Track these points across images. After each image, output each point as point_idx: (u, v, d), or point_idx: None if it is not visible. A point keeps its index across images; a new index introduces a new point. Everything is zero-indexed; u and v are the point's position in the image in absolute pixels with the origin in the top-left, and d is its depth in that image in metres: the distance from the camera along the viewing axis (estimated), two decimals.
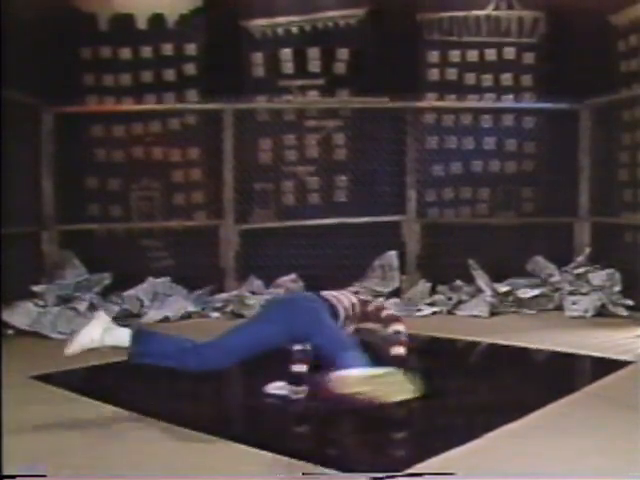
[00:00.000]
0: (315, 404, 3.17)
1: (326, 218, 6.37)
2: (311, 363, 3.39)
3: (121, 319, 5.73)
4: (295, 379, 3.38)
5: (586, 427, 2.97)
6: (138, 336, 3.13)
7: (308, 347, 3.37)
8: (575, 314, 5.62)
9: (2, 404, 2.67)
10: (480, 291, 6.02)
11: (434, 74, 6.67)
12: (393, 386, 2.90)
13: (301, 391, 3.34)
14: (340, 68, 6.56)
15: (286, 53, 6.56)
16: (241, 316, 5.56)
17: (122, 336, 3.11)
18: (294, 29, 6.56)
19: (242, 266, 6.24)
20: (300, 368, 3.39)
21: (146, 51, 6.50)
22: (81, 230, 6.27)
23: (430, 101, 6.60)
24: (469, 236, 6.40)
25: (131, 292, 5.95)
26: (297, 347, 3.41)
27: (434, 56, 6.67)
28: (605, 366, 4.02)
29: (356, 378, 2.88)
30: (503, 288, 6.03)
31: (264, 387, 3.46)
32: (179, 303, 5.87)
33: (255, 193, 6.44)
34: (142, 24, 6.51)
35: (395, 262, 6.29)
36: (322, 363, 3.20)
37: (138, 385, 3.82)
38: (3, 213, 4.83)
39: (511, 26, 6.63)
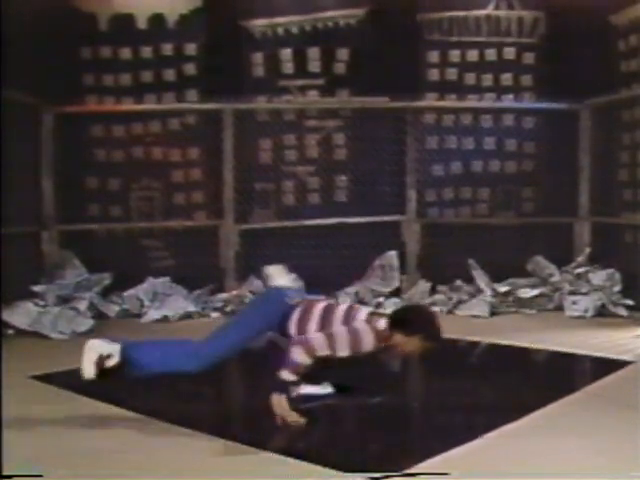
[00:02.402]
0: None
1: (326, 218, 6.37)
2: None
3: (121, 318, 5.79)
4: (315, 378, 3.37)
5: (586, 427, 2.97)
6: (126, 353, 3.12)
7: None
8: (575, 314, 5.62)
9: (2, 404, 2.67)
10: (480, 291, 6.02)
11: (434, 74, 6.67)
12: None
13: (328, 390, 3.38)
14: (340, 68, 6.56)
15: (286, 53, 6.56)
16: None
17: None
18: (294, 29, 6.56)
19: (242, 266, 6.24)
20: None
21: (146, 51, 6.50)
22: (81, 230, 6.28)
23: (430, 101, 6.60)
24: (469, 236, 6.39)
25: (131, 292, 5.96)
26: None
27: (434, 56, 6.66)
28: (605, 366, 4.02)
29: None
30: (503, 288, 6.03)
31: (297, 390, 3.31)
32: (179, 303, 5.87)
33: (255, 193, 6.44)
34: (142, 24, 6.51)
35: (395, 262, 6.29)
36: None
37: (138, 385, 3.81)
38: (3, 213, 4.83)
39: (511, 26, 6.63)
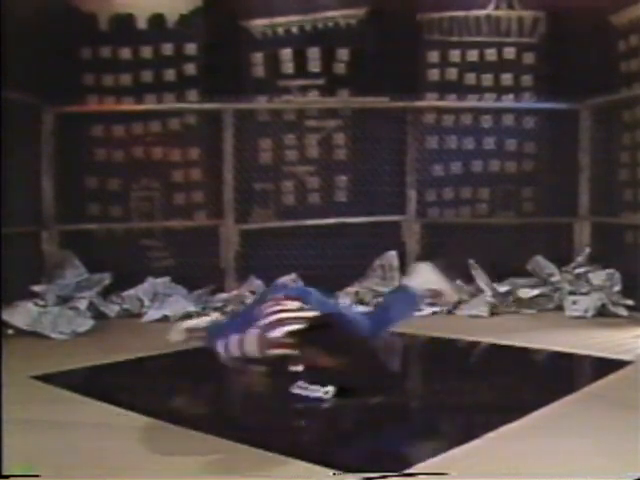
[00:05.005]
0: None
1: (326, 218, 6.37)
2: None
3: (121, 318, 5.79)
4: (316, 378, 3.37)
5: (586, 427, 2.97)
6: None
7: None
8: (575, 314, 5.62)
9: (2, 404, 2.67)
10: (480, 291, 6.02)
11: (434, 74, 6.66)
12: None
13: (329, 391, 3.37)
14: (340, 68, 6.56)
15: (286, 53, 6.55)
16: None
17: None
18: (294, 29, 6.56)
19: (242, 266, 6.24)
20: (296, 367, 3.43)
21: (146, 51, 6.49)
22: (81, 230, 6.28)
23: (430, 101, 6.60)
24: (469, 236, 6.40)
25: (131, 292, 5.96)
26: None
27: (434, 56, 6.65)
28: (605, 366, 4.02)
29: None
30: (503, 288, 6.03)
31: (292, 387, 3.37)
32: (179, 303, 5.87)
33: (255, 193, 6.44)
34: (142, 24, 6.50)
35: (395, 262, 6.29)
36: None
37: (138, 385, 3.82)
38: (3, 213, 4.83)
39: (511, 26, 6.63)
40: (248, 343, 3.24)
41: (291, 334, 3.23)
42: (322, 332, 3.18)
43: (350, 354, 3.16)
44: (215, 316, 4.06)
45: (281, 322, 3.27)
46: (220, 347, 3.34)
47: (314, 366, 3.28)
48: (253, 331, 3.24)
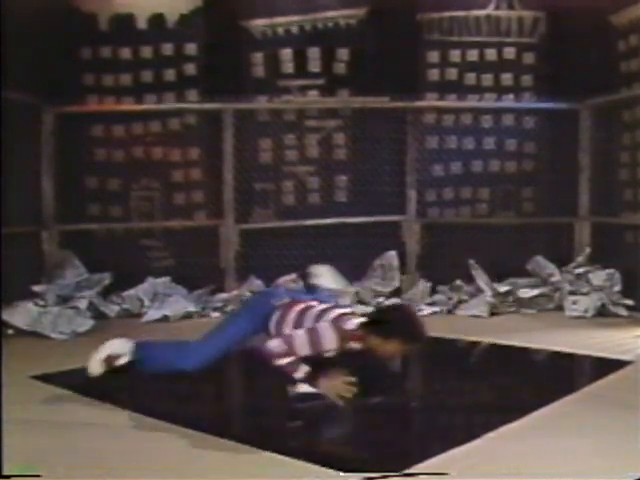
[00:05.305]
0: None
1: (326, 218, 6.37)
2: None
3: (121, 318, 5.79)
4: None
5: (586, 427, 2.97)
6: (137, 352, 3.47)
7: None
8: (575, 314, 5.62)
9: (2, 404, 2.67)
10: (480, 291, 6.02)
11: (434, 74, 6.66)
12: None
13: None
14: (340, 68, 6.56)
15: (286, 53, 6.56)
16: None
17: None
18: (294, 29, 6.56)
19: (242, 266, 6.24)
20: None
21: (146, 51, 6.50)
22: (81, 230, 6.28)
23: (430, 101, 6.61)
24: (469, 236, 6.39)
25: (131, 292, 5.96)
26: None
27: (434, 56, 6.66)
28: (605, 366, 4.02)
29: None
30: (503, 288, 6.03)
31: (292, 388, 3.34)
32: (179, 303, 5.88)
33: (255, 193, 6.45)
34: (142, 24, 6.50)
35: (395, 262, 6.29)
36: None
37: (138, 385, 3.82)
38: (3, 213, 4.84)
39: (511, 26, 6.63)
40: (326, 337, 3.14)
41: (363, 326, 3.21)
42: (399, 322, 3.19)
43: (422, 341, 3.21)
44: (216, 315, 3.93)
45: (344, 316, 3.27)
46: (276, 347, 3.14)
47: (376, 356, 3.28)
48: (323, 324, 3.19)
